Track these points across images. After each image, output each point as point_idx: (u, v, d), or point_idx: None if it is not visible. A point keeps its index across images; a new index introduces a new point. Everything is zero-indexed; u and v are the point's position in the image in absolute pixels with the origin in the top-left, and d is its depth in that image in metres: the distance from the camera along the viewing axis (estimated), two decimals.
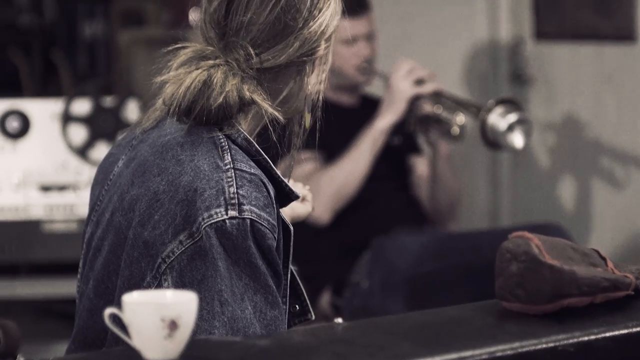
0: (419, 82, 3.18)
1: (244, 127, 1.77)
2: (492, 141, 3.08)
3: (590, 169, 4.06)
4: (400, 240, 3.21)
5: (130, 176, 1.78)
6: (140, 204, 1.73)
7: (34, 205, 3.72)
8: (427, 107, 3.20)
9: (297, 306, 1.84)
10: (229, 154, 1.72)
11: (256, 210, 1.68)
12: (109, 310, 1.45)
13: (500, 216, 4.35)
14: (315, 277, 3.28)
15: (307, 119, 1.85)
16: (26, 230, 3.71)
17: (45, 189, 3.72)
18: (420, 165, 3.44)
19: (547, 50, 4.17)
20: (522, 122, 3.08)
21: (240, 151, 1.74)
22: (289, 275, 1.79)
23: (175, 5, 5.76)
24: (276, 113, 1.77)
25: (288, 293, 1.79)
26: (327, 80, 3.52)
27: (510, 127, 3.07)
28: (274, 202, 1.73)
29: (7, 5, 6.87)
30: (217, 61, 1.74)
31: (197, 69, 1.73)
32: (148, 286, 1.69)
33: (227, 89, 1.71)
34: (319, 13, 1.78)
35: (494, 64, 4.31)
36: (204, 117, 1.73)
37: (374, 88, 3.53)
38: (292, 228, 1.77)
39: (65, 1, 6.70)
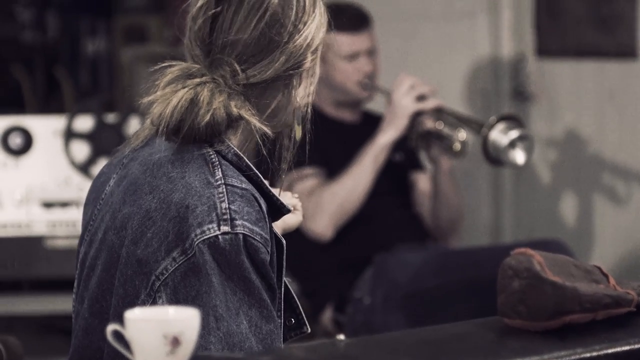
0: (421, 98, 3.19)
1: (234, 142, 1.77)
2: (494, 157, 3.09)
3: (592, 185, 4.06)
4: (402, 257, 3.21)
5: (121, 195, 1.78)
6: (133, 222, 1.73)
7: (36, 222, 3.72)
8: (429, 123, 3.20)
9: (292, 319, 1.84)
10: (219, 169, 1.72)
11: (248, 225, 1.68)
12: (111, 327, 1.45)
13: (502, 232, 4.35)
14: (318, 293, 3.28)
15: (298, 132, 1.85)
16: (29, 247, 3.71)
17: (48, 205, 3.73)
18: (422, 182, 3.44)
19: (549, 67, 4.17)
20: (523, 139, 3.08)
21: (231, 167, 1.74)
22: (282, 289, 1.78)
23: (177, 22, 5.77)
24: (264, 127, 1.77)
25: (283, 307, 1.79)
26: (317, 92, 3.52)
27: (512, 144, 3.07)
28: (266, 216, 1.73)
29: (10, 22, 6.89)
30: (204, 79, 1.73)
31: (184, 87, 1.72)
32: (142, 304, 1.69)
33: (214, 107, 1.71)
34: (304, 26, 1.78)
35: (496, 80, 4.32)
36: (192, 136, 1.72)
37: (375, 104, 3.53)
38: (284, 242, 1.77)
39: (68, 18, 6.72)
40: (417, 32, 4.49)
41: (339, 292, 3.26)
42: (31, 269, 3.72)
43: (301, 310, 1.85)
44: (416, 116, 3.19)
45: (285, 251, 1.76)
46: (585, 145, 4.06)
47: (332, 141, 3.35)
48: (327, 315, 3.28)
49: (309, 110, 1.85)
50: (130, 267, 1.71)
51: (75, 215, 3.70)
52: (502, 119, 3.11)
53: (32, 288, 4.05)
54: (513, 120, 3.12)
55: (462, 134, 3.18)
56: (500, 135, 3.07)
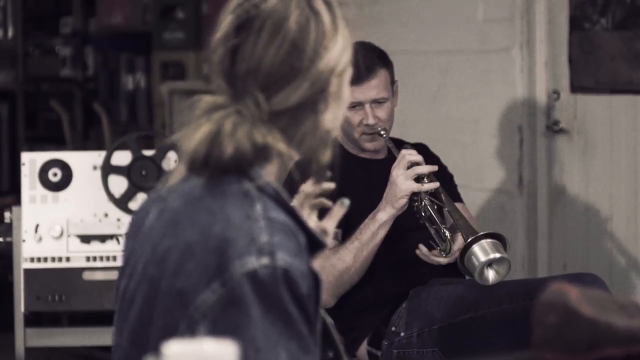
0: (420, 178, 3.15)
1: (272, 172, 1.79)
2: (466, 268, 3.06)
3: (625, 220, 4.04)
4: (436, 290, 3.21)
5: (161, 227, 1.79)
6: (173, 254, 1.74)
7: (75, 255, 3.75)
8: (428, 204, 3.17)
9: (330, 353, 1.85)
10: (259, 203, 1.73)
11: (288, 258, 1.69)
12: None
13: (537, 267, 4.35)
14: (354, 328, 3.28)
15: (327, 155, 1.85)
16: (68, 280, 3.74)
17: (87, 239, 3.76)
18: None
19: (583, 103, 4.18)
20: (501, 262, 3.04)
21: (270, 201, 1.75)
22: (320, 323, 1.79)
23: None
24: (292, 152, 1.78)
25: (321, 340, 1.79)
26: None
27: (489, 263, 3.04)
28: (305, 250, 1.75)
29: (50, 58, 6.98)
30: (228, 110, 1.75)
31: (208, 121, 1.75)
32: (182, 335, 1.70)
33: (237, 138, 1.72)
34: (325, 51, 1.78)
35: (530, 116, 4.33)
36: (220, 168, 1.74)
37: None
38: (320, 277, 1.78)
39: (107, 54, 6.79)
40: (452, 66, 4.51)
41: (375, 326, 3.26)
42: (70, 302, 3.75)
43: (338, 342, 1.85)
44: (415, 195, 3.16)
45: (321, 285, 1.78)
46: (619, 181, 4.05)
47: (356, 178, 3.34)
48: (363, 349, 3.29)
49: (338, 133, 1.85)
50: (170, 299, 1.73)
51: (114, 248, 3.73)
52: (489, 235, 3.07)
53: (71, 321, 4.08)
54: (499, 240, 3.07)
55: (447, 232, 3.14)
56: (480, 252, 3.03)
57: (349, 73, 1.84)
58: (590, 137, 4.16)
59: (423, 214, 3.18)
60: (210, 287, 1.69)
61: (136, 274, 1.81)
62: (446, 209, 3.17)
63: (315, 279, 1.76)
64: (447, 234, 3.13)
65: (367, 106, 3.25)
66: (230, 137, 1.73)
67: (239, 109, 1.75)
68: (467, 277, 3.38)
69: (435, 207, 3.17)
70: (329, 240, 1.93)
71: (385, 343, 3.22)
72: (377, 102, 3.26)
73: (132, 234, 1.88)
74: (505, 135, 4.37)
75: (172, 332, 1.71)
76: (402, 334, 3.20)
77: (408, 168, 3.13)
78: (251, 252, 1.68)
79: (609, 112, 4.09)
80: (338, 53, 1.80)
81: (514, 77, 4.34)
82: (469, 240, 3.03)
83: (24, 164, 3.79)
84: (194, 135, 1.75)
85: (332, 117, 1.82)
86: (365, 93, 3.24)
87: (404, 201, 3.13)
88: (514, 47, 4.33)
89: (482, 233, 3.05)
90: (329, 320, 1.89)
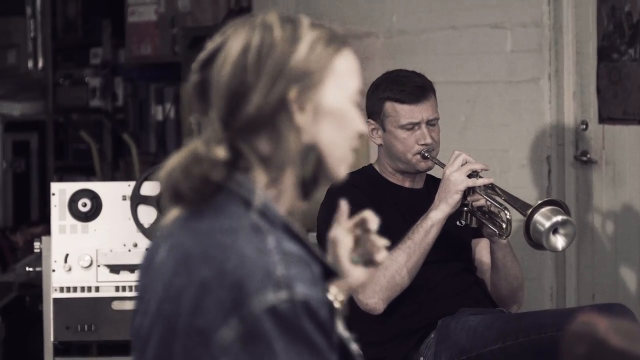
0: (473, 174, 3.18)
1: (269, 193, 1.78)
2: (535, 241, 3.08)
3: None
4: (465, 320, 3.21)
5: (172, 264, 1.79)
6: (189, 292, 1.74)
7: (104, 285, 3.77)
8: (480, 201, 3.19)
9: None
10: (270, 236, 1.73)
11: (306, 289, 1.69)
12: None
13: (565, 298, 4.33)
14: (383, 358, 3.28)
15: (306, 170, 1.81)
16: (97, 310, 3.75)
17: (116, 269, 3.77)
18: (482, 252, 3.42)
19: (611, 133, 4.17)
20: (565, 225, 3.06)
21: (281, 232, 1.75)
22: (339, 351, 1.79)
23: None
24: (260, 171, 1.78)
25: None
26: (379, 161, 3.48)
27: (554, 229, 3.05)
28: (320, 279, 1.74)
29: (80, 89, 7.02)
30: (195, 139, 1.80)
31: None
32: None
33: (189, 169, 1.77)
34: (275, 62, 1.78)
35: (559, 146, 4.32)
36: (179, 198, 1.78)
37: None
38: (335, 305, 1.78)
39: (136, 85, 6.83)
40: (481, 97, 4.51)
41: (403, 356, 3.26)
42: (99, 331, 3.76)
43: None
44: (468, 193, 3.19)
45: (335, 312, 1.78)
46: None
47: (392, 206, 3.35)
48: None
49: (319, 147, 1.81)
50: (189, 338, 1.72)
51: None
52: (547, 203, 3.10)
53: (100, 350, 4.09)
54: (558, 205, 3.10)
55: (508, 214, 3.16)
56: (542, 219, 3.05)
57: (333, 80, 1.80)
58: (618, 167, 4.15)
59: (477, 209, 3.19)
60: (227, 324, 1.68)
61: (150, 312, 1.80)
62: (503, 198, 3.17)
63: (330, 309, 1.76)
64: (509, 215, 3.13)
65: (424, 126, 3.29)
66: (183, 168, 1.77)
67: (203, 136, 1.79)
68: (498, 307, 3.37)
69: (490, 199, 3.17)
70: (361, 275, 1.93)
71: None
72: (430, 123, 3.30)
73: (144, 270, 1.87)
74: (534, 166, 4.37)
75: None
76: None
77: (461, 166, 3.17)
78: (268, 287, 1.68)
79: (638, 142, 4.08)
80: (297, 62, 1.78)
81: (543, 107, 4.34)
82: (529, 211, 3.04)
83: (53, 194, 3.82)
84: (161, 171, 1.80)
85: (305, 130, 1.79)
86: (421, 112, 3.28)
87: (458, 197, 3.15)
88: (542, 78, 4.33)
89: (540, 202, 3.07)
90: (355, 349, 1.89)
